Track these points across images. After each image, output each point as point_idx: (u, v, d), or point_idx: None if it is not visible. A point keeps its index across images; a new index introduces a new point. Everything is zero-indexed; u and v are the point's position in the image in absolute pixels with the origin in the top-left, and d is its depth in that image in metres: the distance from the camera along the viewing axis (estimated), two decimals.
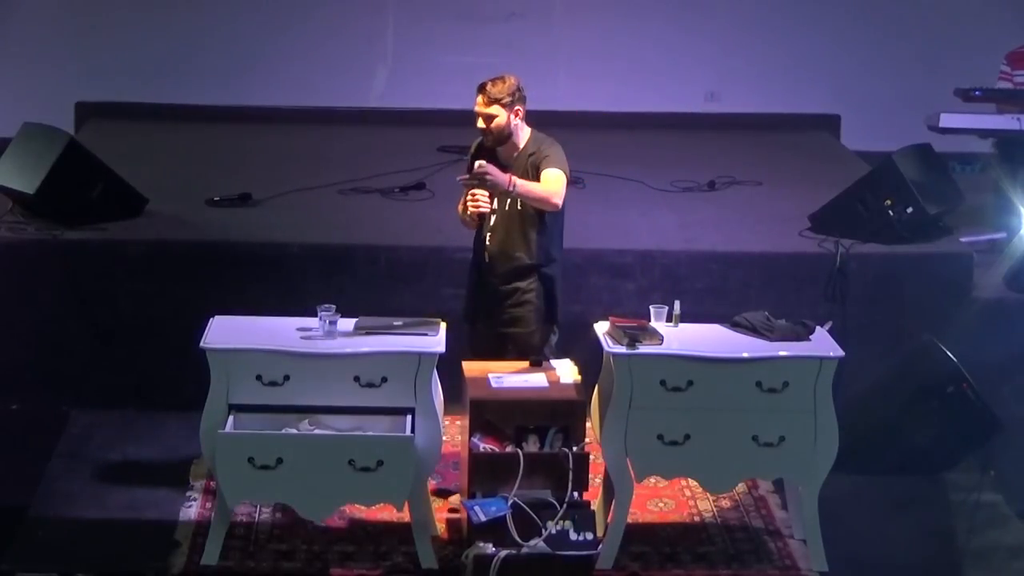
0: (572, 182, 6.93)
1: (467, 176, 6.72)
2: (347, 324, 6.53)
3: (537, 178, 6.75)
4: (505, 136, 6.77)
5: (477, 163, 6.73)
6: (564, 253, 7.04)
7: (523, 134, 6.85)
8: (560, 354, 6.91)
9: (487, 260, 6.88)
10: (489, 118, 6.74)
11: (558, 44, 11.17)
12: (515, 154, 6.83)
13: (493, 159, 6.83)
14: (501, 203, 6.82)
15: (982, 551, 6.83)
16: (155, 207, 8.47)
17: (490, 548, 6.21)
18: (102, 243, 8.04)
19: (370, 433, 6.30)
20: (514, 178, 6.68)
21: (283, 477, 6.21)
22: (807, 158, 10.35)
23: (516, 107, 6.76)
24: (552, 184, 6.71)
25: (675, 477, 6.83)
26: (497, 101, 6.71)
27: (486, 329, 6.90)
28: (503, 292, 6.88)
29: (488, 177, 6.65)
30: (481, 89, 6.75)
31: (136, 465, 7.34)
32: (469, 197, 6.82)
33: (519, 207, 6.79)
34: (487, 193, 6.76)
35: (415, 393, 6.37)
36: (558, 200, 6.74)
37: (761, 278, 8.10)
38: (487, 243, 6.86)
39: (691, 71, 11.16)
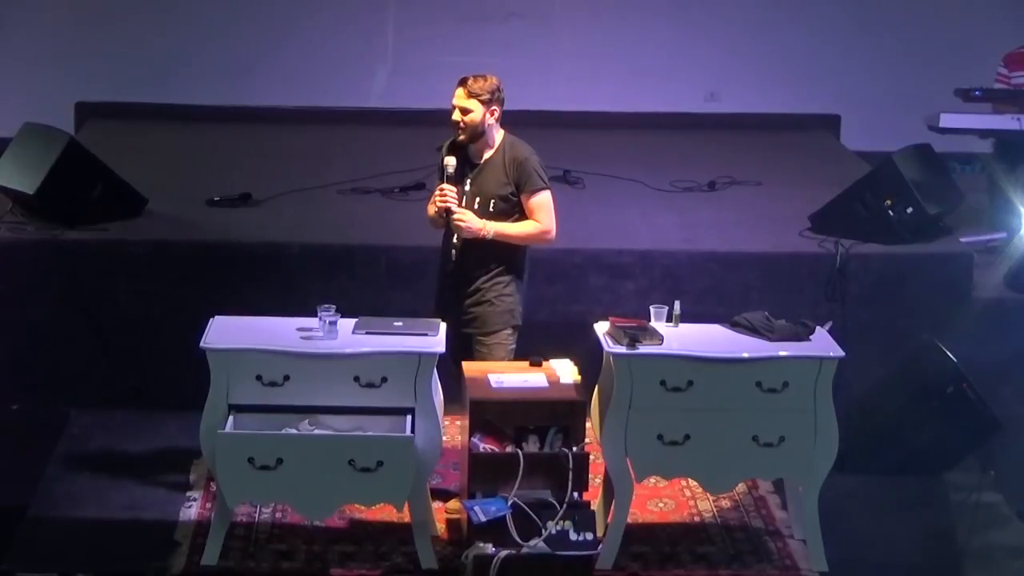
0: (571, 183, 6.99)
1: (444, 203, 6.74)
2: (347, 324, 6.53)
3: (517, 185, 6.77)
4: (478, 134, 6.78)
5: (455, 217, 6.72)
6: (561, 254, 7.05)
7: (496, 135, 6.86)
8: (556, 354, 6.92)
9: (453, 258, 6.87)
10: (465, 111, 6.75)
11: (558, 44, 11.17)
12: (487, 153, 6.84)
13: (463, 156, 6.85)
14: (469, 201, 6.82)
15: (982, 551, 6.83)
16: (155, 207, 8.47)
17: (490, 548, 6.21)
18: (102, 243, 8.03)
19: (370, 433, 6.30)
20: (488, 225, 6.74)
21: (283, 477, 6.20)
22: (807, 158, 10.35)
23: (493, 107, 6.77)
24: (544, 218, 6.80)
25: (675, 477, 6.83)
26: (476, 96, 6.73)
27: (450, 328, 6.83)
28: (467, 291, 6.87)
29: (463, 224, 6.71)
30: (462, 82, 6.79)
31: (136, 465, 7.33)
32: (437, 193, 6.82)
33: (490, 207, 6.80)
34: (455, 189, 6.78)
35: (415, 393, 6.37)
36: (552, 236, 6.86)
37: (761, 278, 8.10)
38: (454, 240, 6.85)
39: (691, 71, 11.16)
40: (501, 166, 6.81)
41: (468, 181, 6.84)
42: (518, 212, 6.82)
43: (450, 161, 6.81)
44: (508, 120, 6.95)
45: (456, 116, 6.78)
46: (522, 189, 6.79)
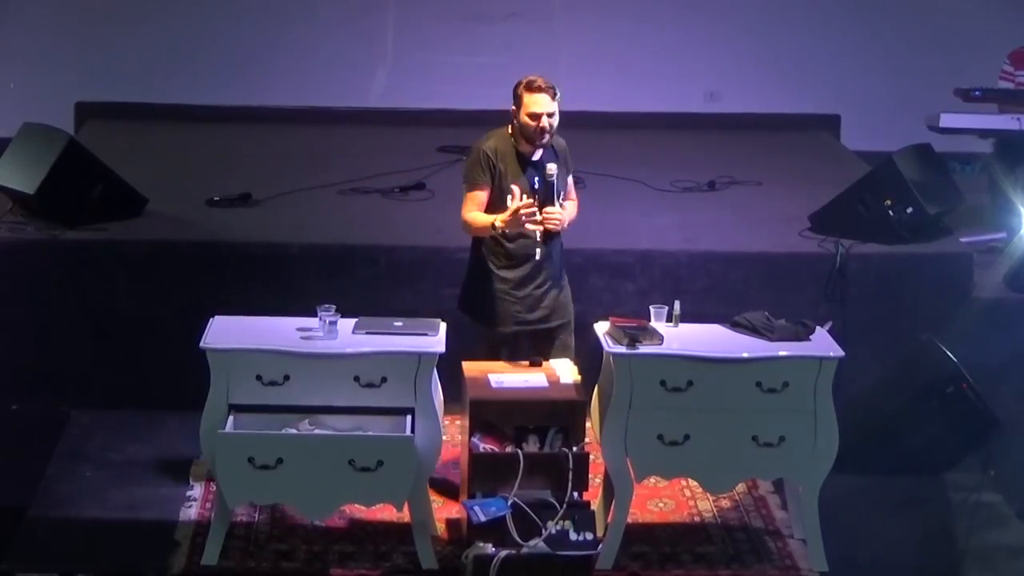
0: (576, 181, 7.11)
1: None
2: (347, 324, 6.53)
3: (566, 170, 6.92)
4: None
5: (552, 219, 6.71)
6: (565, 254, 7.13)
7: None
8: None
9: (538, 256, 6.79)
10: (552, 115, 6.71)
11: (558, 44, 11.16)
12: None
13: (513, 152, 6.82)
14: (541, 197, 6.82)
15: (982, 551, 6.83)
16: (155, 207, 8.47)
17: (490, 548, 6.21)
18: (102, 243, 8.04)
19: (370, 433, 6.30)
20: (565, 215, 6.88)
21: (283, 477, 6.21)
22: (807, 158, 10.35)
23: None
24: (575, 194, 7.12)
25: (675, 477, 6.83)
26: (556, 97, 6.70)
27: (540, 328, 6.93)
28: (552, 286, 6.93)
29: (561, 220, 6.79)
30: (539, 88, 6.66)
31: (136, 465, 7.33)
32: (545, 214, 6.72)
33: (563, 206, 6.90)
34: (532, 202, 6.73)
35: (415, 393, 6.37)
36: None
37: (761, 278, 8.10)
38: (538, 239, 6.78)
39: (691, 71, 11.16)
40: (553, 156, 6.85)
41: (536, 179, 6.83)
42: None
43: (552, 169, 6.75)
44: (509, 120, 6.96)
45: (544, 123, 6.70)
46: (568, 172, 6.95)
